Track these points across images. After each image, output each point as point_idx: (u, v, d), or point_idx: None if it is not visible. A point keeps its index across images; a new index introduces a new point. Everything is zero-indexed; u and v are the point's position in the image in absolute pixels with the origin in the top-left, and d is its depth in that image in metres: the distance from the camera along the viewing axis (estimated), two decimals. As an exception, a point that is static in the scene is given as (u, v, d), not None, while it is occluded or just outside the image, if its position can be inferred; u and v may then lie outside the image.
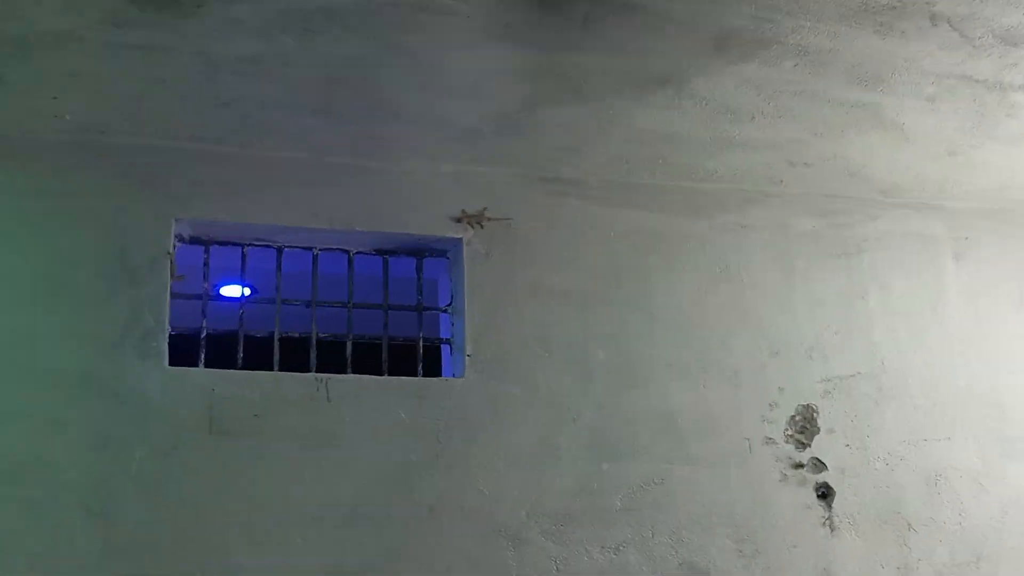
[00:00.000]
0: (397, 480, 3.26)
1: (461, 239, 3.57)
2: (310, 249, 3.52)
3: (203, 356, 3.32)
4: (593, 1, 2.74)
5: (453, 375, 3.53)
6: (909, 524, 3.55)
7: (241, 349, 3.36)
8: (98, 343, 3.13)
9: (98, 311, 3.18)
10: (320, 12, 2.69)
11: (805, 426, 3.61)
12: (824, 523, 3.49)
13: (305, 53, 2.90)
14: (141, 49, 2.82)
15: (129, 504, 3.01)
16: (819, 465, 3.55)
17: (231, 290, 4.11)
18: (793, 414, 3.61)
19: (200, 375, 3.20)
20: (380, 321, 3.54)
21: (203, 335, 3.31)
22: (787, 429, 3.58)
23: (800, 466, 3.53)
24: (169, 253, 3.30)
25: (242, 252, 3.48)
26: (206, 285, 3.43)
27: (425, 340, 3.59)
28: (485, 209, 3.57)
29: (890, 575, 3.48)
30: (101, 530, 2.99)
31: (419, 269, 3.64)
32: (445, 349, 3.66)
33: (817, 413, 3.63)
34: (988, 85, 3.19)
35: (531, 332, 3.53)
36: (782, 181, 3.85)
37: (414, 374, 3.51)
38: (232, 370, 3.28)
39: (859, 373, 3.74)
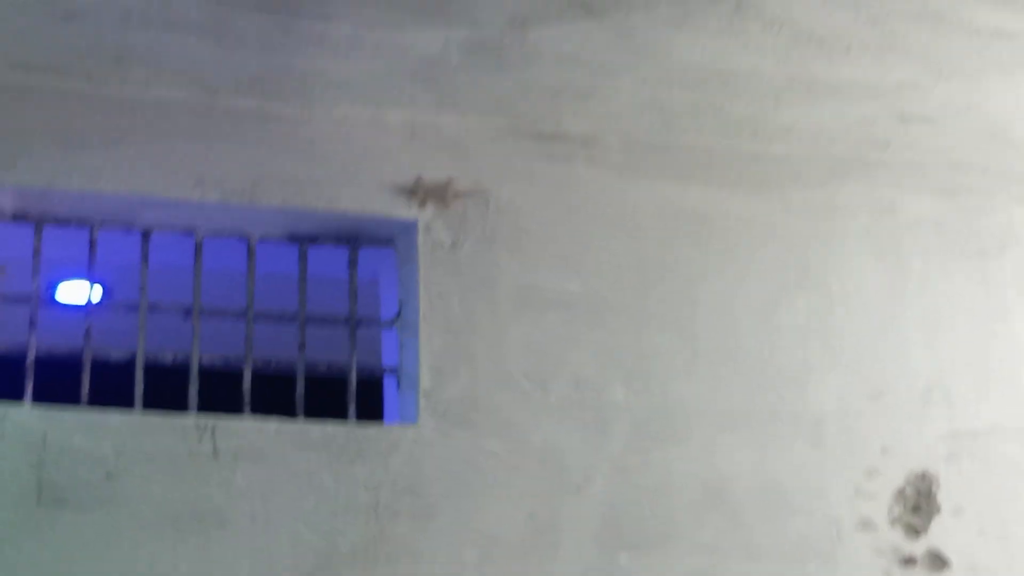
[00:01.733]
0: None
1: (416, 221, 2.62)
2: (191, 232, 2.58)
3: (30, 387, 2.42)
4: None
5: (401, 420, 2.62)
6: None
7: (87, 378, 2.45)
8: None
9: None
10: None
11: (920, 503, 2.66)
12: None
13: None
14: None
15: None
16: (941, 560, 2.61)
17: (74, 290, 3.36)
18: (902, 485, 2.65)
19: (26, 416, 2.35)
20: (294, 340, 2.60)
21: (30, 356, 2.41)
22: (893, 508, 2.62)
23: (912, 562, 2.57)
24: None
25: (90, 235, 2.58)
26: (37, 283, 2.49)
27: (361, 369, 2.65)
28: (451, 178, 2.62)
29: None
30: None
31: (352, 263, 2.70)
32: (390, 382, 2.73)
33: (938, 485, 2.68)
34: None
35: (518, 359, 2.61)
36: (889, 144, 2.90)
37: (344, 418, 2.57)
38: (74, 409, 2.41)
39: (1000, 427, 2.77)
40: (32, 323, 2.41)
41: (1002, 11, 2.39)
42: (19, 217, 2.54)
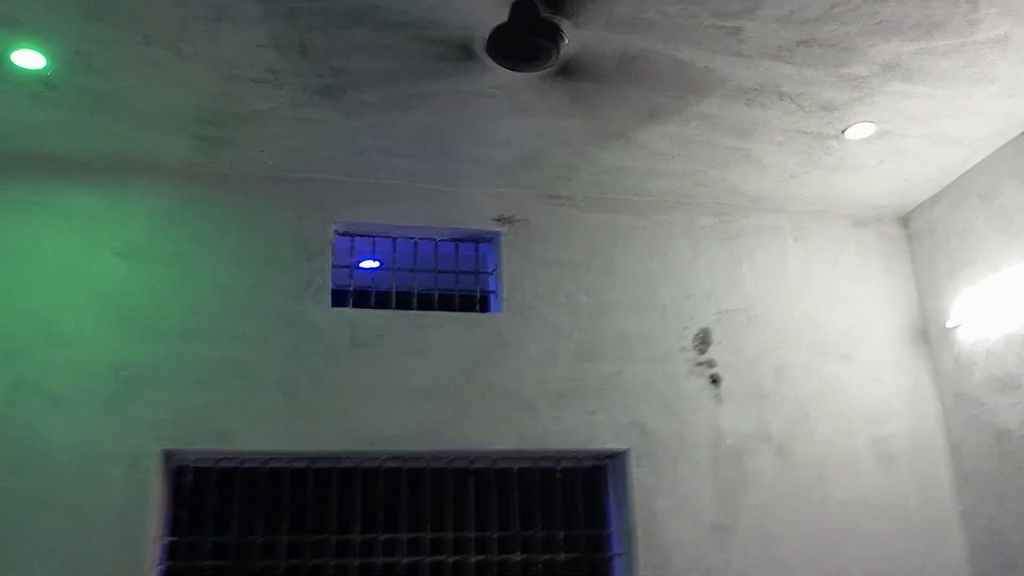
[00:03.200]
0: (461, 373, 4.15)
1: (500, 232, 4.47)
2: (411, 238, 4.46)
3: (351, 302, 4.23)
4: (578, 86, 3.56)
5: (496, 312, 4.40)
6: (764, 397, 4.45)
7: (373, 298, 4.26)
8: (289, 295, 4.10)
9: (289, 276, 4.14)
10: (416, 96, 3.65)
11: (704, 340, 4.51)
12: (714, 397, 4.39)
13: (407, 121, 3.84)
14: (311, 121, 3.82)
15: (306, 389, 3.95)
16: (712, 364, 4.47)
17: (368, 263, 4.59)
18: (697, 333, 4.52)
19: (348, 312, 4.16)
20: (454, 280, 4.42)
21: (351, 289, 4.26)
22: (693, 342, 4.50)
23: (701, 364, 4.46)
24: (330, 242, 4.23)
25: (373, 241, 4.43)
26: (352, 260, 4.34)
27: (480, 291, 4.47)
28: (514, 215, 4.51)
29: (752, 427, 4.36)
30: (290, 404, 3.91)
31: (476, 250, 4.54)
32: (492, 297, 4.48)
33: (711, 333, 4.53)
34: (813, 135, 4.07)
35: (540, 287, 4.40)
36: (691, 195, 4.70)
37: (473, 311, 4.38)
38: (367, 309, 4.21)
39: (736, 309, 4.62)
40: (351, 277, 4.13)
41: (735, 139, 4.04)
42: (345, 234, 4.34)
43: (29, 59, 3.37)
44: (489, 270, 4.53)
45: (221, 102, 3.68)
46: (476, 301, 4.43)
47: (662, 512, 4.12)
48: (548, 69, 3.35)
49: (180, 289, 4.04)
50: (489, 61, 3.35)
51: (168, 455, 3.85)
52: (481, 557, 4.07)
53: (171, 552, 3.86)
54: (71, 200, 4.08)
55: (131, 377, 3.86)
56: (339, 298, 4.25)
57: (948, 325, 4.67)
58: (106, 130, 3.88)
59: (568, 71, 3.52)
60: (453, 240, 4.52)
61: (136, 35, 3.27)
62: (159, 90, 3.60)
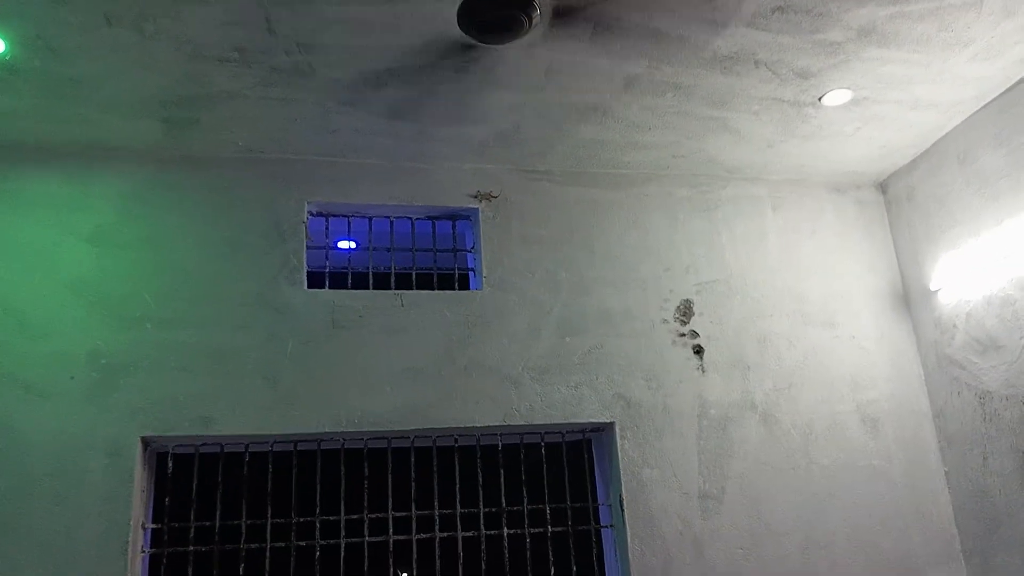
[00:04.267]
0: (443, 352, 4.12)
1: (478, 208, 4.43)
2: (387, 217, 4.40)
3: (327, 283, 4.18)
4: (552, 57, 3.54)
5: (476, 289, 4.36)
6: (748, 367, 4.45)
7: (350, 279, 4.21)
8: (265, 278, 4.05)
9: (263, 258, 4.07)
10: (388, 72, 3.57)
11: (686, 312, 4.50)
12: (698, 368, 4.39)
13: (379, 98, 3.76)
14: (280, 100, 3.74)
15: (287, 372, 3.91)
16: (695, 335, 4.46)
17: (344, 244, 4.51)
18: (679, 304, 4.50)
19: (326, 294, 4.11)
20: (432, 259, 4.41)
21: (327, 270, 4.20)
22: (675, 314, 4.47)
23: (683, 335, 4.44)
24: (304, 222, 4.17)
25: (348, 221, 4.35)
26: (327, 241, 4.28)
27: (459, 269, 4.42)
28: (491, 191, 4.45)
29: (737, 396, 4.36)
30: (271, 388, 3.87)
31: (454, 227, 4.48)
32: (471, 274, 4.47)
33: (693, 304, 4.52)
34: (789, 103, 4.05)
35: (520, 263, 4.37)
36: (668, 167, 4.66)
37: (452, 288, 4.34)
38: (345, 290, 4.15)
39: (717, 280, 4.59)
40: (326, 257, 4.11)
41: (711, 108, 4.00)
42: (319, 214, 4.27)
43: (-10, 43, 3.26)
44: (468, 247, 4.50)
45: (187, 83, 3.61)
46: (455, 279, 4.40)
47: (649, 482, 4.14)
48: (520, 40, 3.29)
49: (153, 275, 4.00)
50: (461, 34, 3.28)
51: (148, 442, 3.83)
52: (469, 533, 4.05)
53: (155, 538, 3.84)
54: (38, 187, 4.01)
55: (108, 366, 3.82)
56: (316, 280, 4.22)
57: (930, 289, 4.67)
58: (71, 115, 3.81)
59: (541, 42, 3.47)
60: (430, 218, 4.49)
61: (97, 16, 3.18)
62: (123, 72, 3.53)
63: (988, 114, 4.25)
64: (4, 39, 3.26)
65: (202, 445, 3.90)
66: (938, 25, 3.56)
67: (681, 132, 4.31)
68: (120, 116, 3.83)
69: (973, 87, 4.07)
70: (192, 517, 3.87)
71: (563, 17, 3.33)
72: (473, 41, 3.27)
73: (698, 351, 4.44)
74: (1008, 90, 4.11)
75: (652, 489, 4.13)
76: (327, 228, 4.30)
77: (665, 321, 4.48)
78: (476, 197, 4.44)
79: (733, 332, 4.54)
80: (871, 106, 4.17)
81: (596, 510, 4.31)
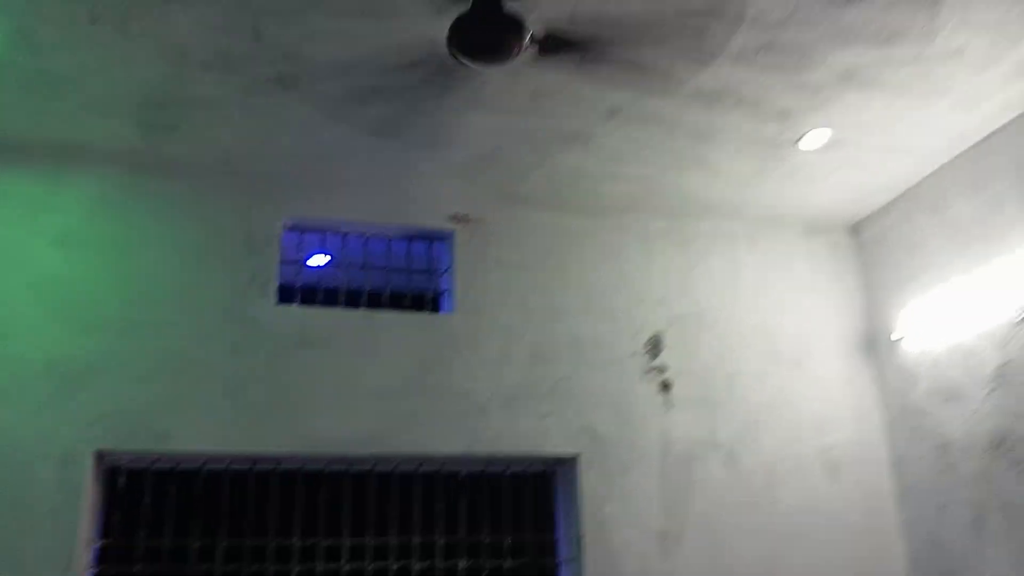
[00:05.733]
0: (413, 374, 4.10)
1: (454, 231, 4.43)
2: (363, 235, 4.38)
3: (299, 299, 4.17)
4: (539, 84, 3.54)
5: (448, 312, 4.35)
6: (715, 404, 4.46)
7: (321, 295, 4.22)
8: (234, 290, 4.00)
9: (235, 270, 4.03)
10: (372, 89, 3.54)
11: (656, 345, 4.52)
12: (665, 403, 4.40)
13: (362, 114, 3.73)
14: (262, 109, 3.68)
15: (250, 388, 3.85)
16: (664, 369, 4.48)
17: (317, 259, 4.57)
18: (650, 337, 4.52)
19: (296, 310, 4.10)
20: (406, 279, 4.41)
21: (298, 286, 4.19)
22: (646, 347, 4.51)
23: (652, 369, 4.46)
24: (278, 236, 4.15)
25: (323, 237, 4.34)
26: (300, 255, 4.28)
27: (432, 292, 4.44)
28: (468, 213, 4.47)
29: (702, 434, 4.38)
30: (232, 404, 3.81)
31: (429, 248, 4.48)
32: (444, 297, 4.45)
33: (664, 337, 4.54)
34: (768, 143, 4.08)
35: (495, 287, 4.37)
36: (645, 199, 4.67)
37: (425, 311, 4.37)
38: (315, 307, 4.15)
39: (689, 314, 4.63)
40: (298, 273, 4.11)
41: (691, 144, 4.06)
42: (294, 228, 4.25)
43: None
44: (442, 269, 4.49)
45: (168, 86, 3.56)
46: (428, 301, 4.39)
47: (610, 518, 4.11)
48: (509, 64, 3.26)
49: (119, 280, 3.94)
50: (449, 54, 3.25)
51: (101, 456, 3.74)
52: (427, 563, 4.00)
53: (103, 556, 3.73)
54: (7, 185, 3.94)
55: (66, 373, 3.73)
56: (286, 295, 4.19)
57: (894, 336, 4.71)
58: (46, 112, 3.73)
59: (529, 67, 3.47)
60: (406, 238, 4.48)
61: (81, 12, 3.12)
62: (103, 71, 3.47)
63: (964, 162, 4.31)
64: (-15, 30, 3.18)
65: (156, 461, 3.82)
66: (920, 73, 3.62)
67: (661, 165, 4.34)
68: (96, 115, 3.76)
69: (950, 134, 4.14)
70: (142, 535, 3.77)
71: (552, 44, 3.35)
72: (461, 62, 3.25)
73: (666, 386, 4.46)
74: (984, 139, 4.18)
75: (613, 525, 4.12)
76: (301, 243, 4.30)
77: (635, 354, 4.50)
78: (453, 219, 4.44)
79: (702, 368, 4.56)
80: (848, 149, 4.21)
81: (555, 543, 4.27)
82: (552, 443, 4.17)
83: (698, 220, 4.86)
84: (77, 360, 3.75)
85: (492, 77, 3.53)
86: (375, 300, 4.29)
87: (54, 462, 3.58)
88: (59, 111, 3.72)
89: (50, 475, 3.56)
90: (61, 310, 3.82)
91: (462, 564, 4.04)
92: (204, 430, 3.76)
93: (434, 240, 4.52)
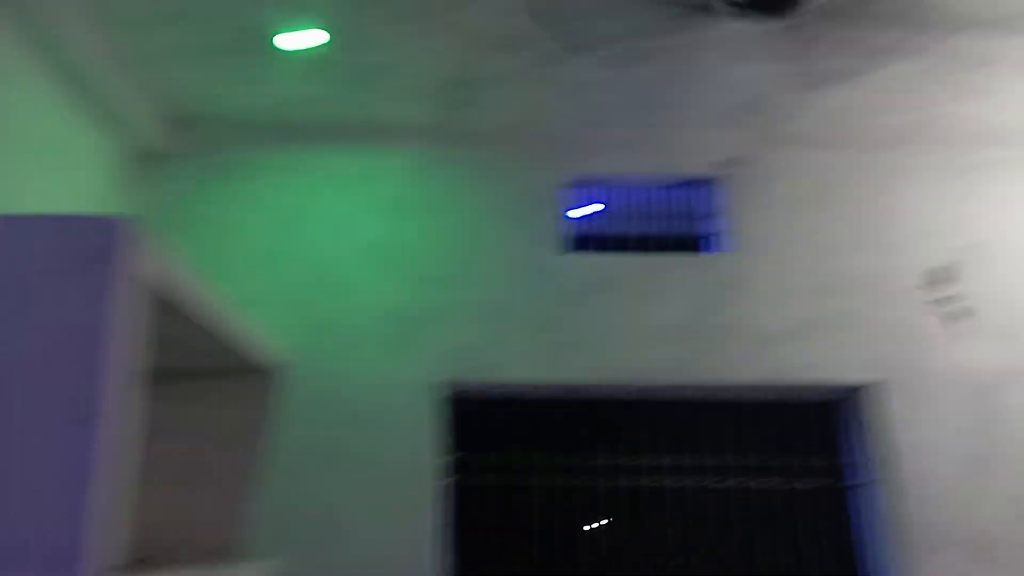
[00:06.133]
0: (698, 312, 4.30)
1: (726, 175, 4.54)
2: (641, 186, 4.64)
3: (585, 246, 4.50)
4: (810, 31, 3.56)
5: (727, 252, 4.46)
6: (1015, 332, 4.29)
7: (607, 243, 4.51)
8: (530, 241, 4.41)
9: (529, 225, 4.45)
10: (641, 52, 3.79)
11: (945, 276, 4.39)
12: (960, 333, 4.27)
13: (633, 76, 3.98)
14: (543, 81, 4.03)
15: (556, 324, 4.27)
16: (957, 299, 4.34)
17: (599, 211, 4.68)
18: (939, 269, 4.41)
19: (583, 258, 4.42)
20: (684, 224, 4.58)
21: (581, 235, 4.52)
22: (934, 279, 4.39)
23: (944, 299, 4.34)
24: (563, 191, 4.50)
25: (598, 189, 4.64)
26: (584, 209, 4.58)
27: (709, 234, 4.54)
28: (738, 158, 4.54)
29: (1003, 362, 4.22)
30: (546, 338, 4.24)
31: (694, 194, 4.60)
32: (721, 239, 4.51)
33: (954, 269, 4.41)
34: None
35: (772, 227, 4.47)
36: (923, 130, 4.49)
37: (703, 252, 4.52)
38: (603, 254, 4.44)
39: (978, 244, 4.46)
40: (586, 222, 4.47)
41: None
42: (574, 184, 4.52)
43: (309, 38, 3.75)
44: (710, 213, 4.62)
45: (463, 68, 3.97)
46: (706, 243, 4.54)
47: (911, 445, 4.12)
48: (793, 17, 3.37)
49: (435, 239, 4.45)
50: (722, 10, 3.41)
51: (446, 384, 4.27)
52: (720, 482, 4.25)
53: (455, 468, 4.31)
54: (331, 163, 4.57)
55: (404, 319, 4.30)
56: (574, 244, 4.52)
57: None
58: (364, 98, 4.27)
59: (804, 16, 3.53)
60: (680, 185, 4.65)
61: (391, 14, 3.60)
62: (410, 61, 3.94)
63: None
64: (328, 32, 3.74)
65: (492, 389, 4.32)
66: None
67: (939, 95, 4.23)
68: (406, 98, 4.26)
69: None
70: (484, 451, 4.33)
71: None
72: (730, 18, 3.36)
73: (961, 316, 4.34)
74: None
75: (914, 452, 4.10)
76: (583, 197, 4.61)
77: (924, 285, 4.42)
78: (724, 164, 4.55)
79: (997, 296, 4.39)
80: None
81: (849, 468, 4.34)
82: (844, 372, 4.21)
83: (982, 147, 4.64)
84: (411, 308, 4.33)
85: (761, 29, 3.62)
86: (656, 245, 4.53)
87: (404, 390, 4.19)
88: (375, 97, 4.26)
89: (402, 400, 4.18)
90: (391, 267, 4.42)
91: (753, 484, 4.26)
92: (524, 363, 4.19)
93: (707, 185, 4.66)
